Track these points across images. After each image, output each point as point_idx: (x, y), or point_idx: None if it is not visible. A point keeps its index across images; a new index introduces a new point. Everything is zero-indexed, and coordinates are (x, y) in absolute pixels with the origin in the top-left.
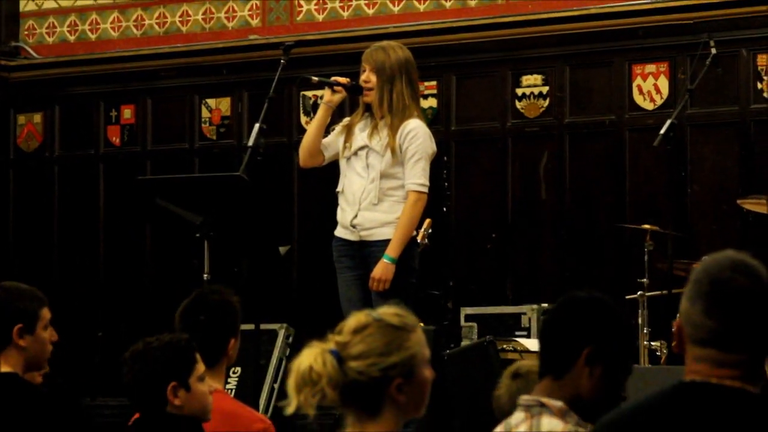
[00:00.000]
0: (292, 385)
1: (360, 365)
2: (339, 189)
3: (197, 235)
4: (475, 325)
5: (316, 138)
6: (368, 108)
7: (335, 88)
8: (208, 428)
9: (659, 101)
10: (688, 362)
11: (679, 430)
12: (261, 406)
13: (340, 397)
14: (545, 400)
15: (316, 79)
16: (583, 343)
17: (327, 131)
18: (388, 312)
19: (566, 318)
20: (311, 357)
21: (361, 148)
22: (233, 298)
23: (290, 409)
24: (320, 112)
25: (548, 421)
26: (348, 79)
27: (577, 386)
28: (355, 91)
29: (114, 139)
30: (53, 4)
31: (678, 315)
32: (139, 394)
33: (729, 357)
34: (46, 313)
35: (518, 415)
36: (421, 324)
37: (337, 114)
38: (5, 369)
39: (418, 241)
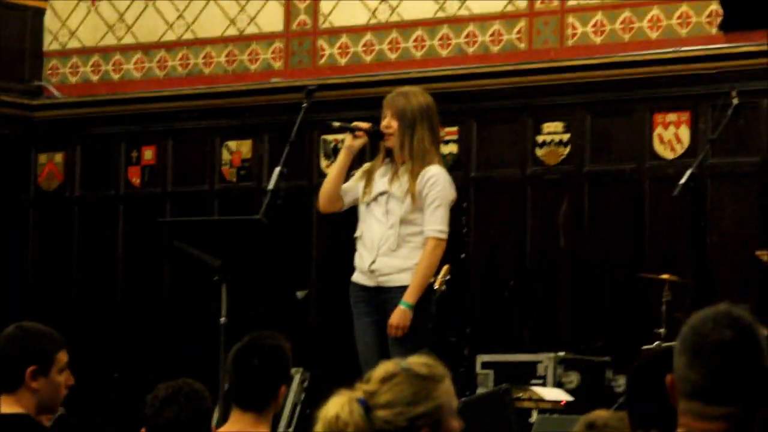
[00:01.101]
0: None
1: (387, 414)
2: (357, 234)
3: (215, 277)
4: (491, 372)
5: (337, 183)
6: (389, 153)
7: (356, 133)
8: None
9: (680, 150)
10: (679, 415)
11: None
12: None
13: None
14: None
15: (337, 124)
16: None
17: (347, 176)
18: (416, 361)
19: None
20: (338, 405)
21: (381, 193)
22: (286, 344)
23: None
24: (341, 156)
25: None
26: (370, 124)
27: None
28: (376, 136)
29: (134, 179)
30: (77, 44)
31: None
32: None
33: (713, 410)
34: (62, 357)
35: None
36: None
37: (357, 159)
38: (18, 410)
39: (435, 287)
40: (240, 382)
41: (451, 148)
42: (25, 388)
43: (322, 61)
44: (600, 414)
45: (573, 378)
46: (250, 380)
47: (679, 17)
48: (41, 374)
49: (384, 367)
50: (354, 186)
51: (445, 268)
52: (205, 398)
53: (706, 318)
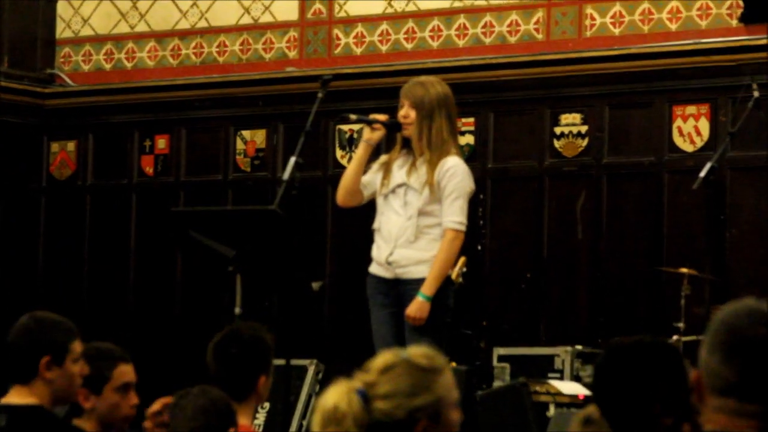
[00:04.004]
0: (317, 422)
1: (386, 406)
2: (375, 226)
3: (230, 268)
4: (507, 365)
5: (356, 177)
6: (406, 144)
7: (374, 125)
8: None
9: (699, 143)
10: (707, 412)
11: None
12: None
13: None
14: None
15: (354, 116)
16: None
17: (365, 169)
18: (417, 353)
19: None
20: (337, 395)
21: (399, 185)
22: (267, 335)
23: None
24: (360, 150)
25: None
26: (386, 116)
27: None
28: (393, 128)
29: (147, 168)
30: (90, 32)
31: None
32: None
33: (748, 407)
34: (77, 347)
35: None
36: (454, 364)
37: (374, 152)
38: (31, 401)
39: (453, 279)
40: (219, 372)
41: (467, 139)
42: (40, 379)
43: (338, 50)
44: (595, 408)
45: (590, 372)
46: (229, 370)
47: (699, 9)
48: (55, 364)
49: (384, 358)
50: (373, 179)
51: (462, 260)
52: (234, 413)
53: (739, 314)
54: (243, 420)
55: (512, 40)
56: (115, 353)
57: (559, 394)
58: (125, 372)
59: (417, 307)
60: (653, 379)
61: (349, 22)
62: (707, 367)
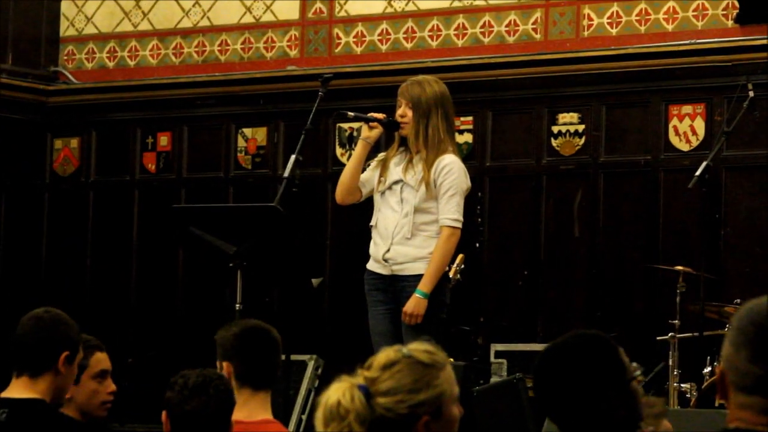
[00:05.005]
0: (320, 419)
1: (388, 402)
2: (372, 223)
3: (230, 264)
4: (504, 361)
5: (355, 174)
6: (403, 142)
7: (371, 123)
8: None
9: (695, 143)
10: (732, 409)
11: None
12: None
13: None
14: None
15: (351, 114)
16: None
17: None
18: (418, 349)
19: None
20: (339, 391)
21: (396, 182)
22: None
23: None
24: (358, 148)
25: None
26: (384, 115)
27: None
28: (391, 126)
29: (150, 165)
30: (93, 30)
31: (720, 361)
32: None
33: None
34: (81, 349)
35: None
36: (451, 360)
37: (373, 149)
38: (33, 395)
39: (450, 276)
40: (245, 365)
41: (466, 138)
42: (51, 373)
43: (338, 49)
44: None
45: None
46: (260, 361)
47: (695, 9)
48: (69, 362)
49: (385, 354)
50: (371, 176)
51: (460, 257)
52: (232, 392)
53: (767, 311)
54: (267, 413)
55: (510, 39)
56: (91, 342)
57: None
58: (101, 360)
59: (414, 304)
60: (598, 373)
61: (350, 21)
62: (732, 364)
